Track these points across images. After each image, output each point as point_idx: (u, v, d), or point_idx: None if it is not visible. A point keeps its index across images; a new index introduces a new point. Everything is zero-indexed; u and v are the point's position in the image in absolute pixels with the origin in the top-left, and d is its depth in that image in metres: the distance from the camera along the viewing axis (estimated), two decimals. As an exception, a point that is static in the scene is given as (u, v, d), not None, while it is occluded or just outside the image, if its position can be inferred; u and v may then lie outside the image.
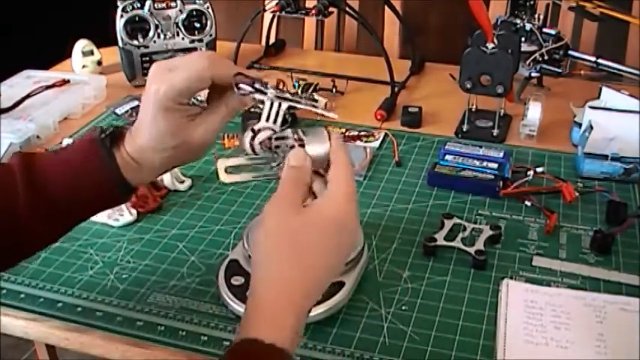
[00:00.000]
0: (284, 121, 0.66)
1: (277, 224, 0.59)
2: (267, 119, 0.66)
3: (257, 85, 0.66)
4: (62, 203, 0.69)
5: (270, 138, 0.65)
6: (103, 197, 0.71)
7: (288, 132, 0.65)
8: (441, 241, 0.87)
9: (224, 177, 0.69)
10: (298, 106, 0.67)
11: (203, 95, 0.71)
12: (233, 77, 0.67)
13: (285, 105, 0.66)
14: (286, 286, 0.58)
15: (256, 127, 0.66)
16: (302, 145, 0.64)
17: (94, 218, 0.92)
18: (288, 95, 0.66)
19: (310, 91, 1.23)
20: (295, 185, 0.62)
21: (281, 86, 0.70)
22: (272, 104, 0.66)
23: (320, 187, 0.63)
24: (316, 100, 0.68)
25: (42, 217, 0.68)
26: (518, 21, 1.25)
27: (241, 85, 0.66)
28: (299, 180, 0.62)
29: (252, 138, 0.66)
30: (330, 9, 1.30)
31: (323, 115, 0.70)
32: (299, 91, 1.23)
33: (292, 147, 0.64)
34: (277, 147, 0.65)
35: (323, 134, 0.64)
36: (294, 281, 0.58)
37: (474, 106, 1.19)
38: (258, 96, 0.66)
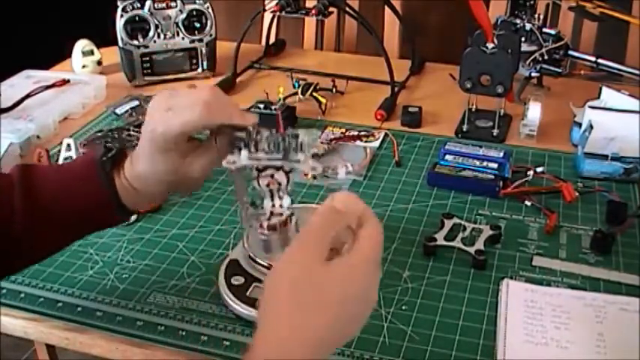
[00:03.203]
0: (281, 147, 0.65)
1: (303, 274, 0.53)
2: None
3: (233, 149, 0.66)
4: (58, 219, 0.69)
5: (272, 176, 0.65)
6: (101, 219, 0.72)
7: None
8: (441, 241, 0.87)
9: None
10: (277, 163, 0.65)
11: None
12: (215, 131, 0.67)
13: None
14: (311, 337, 0.52)
15: (261, 166, 0.66)
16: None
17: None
18: (262, 155, 0.65)
19: (310, 90, 1.23)
20: (327, 230, 0.55)
21: (255, 133, 0.66)
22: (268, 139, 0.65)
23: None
24: (299, 153, 0.65)
25: (37, 230, 0.68)
26: (518, 21, 1.25)
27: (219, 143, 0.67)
28: (334, 225, 0.55)
29: (258, 177, 0.66)
30: (330, 9, 1.30)
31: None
32: (299, 92, 1.23)
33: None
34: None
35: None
36: (318, 333, 0.52)
37: (474, 106, 1.19)
38: (234, 157, 0.65)
